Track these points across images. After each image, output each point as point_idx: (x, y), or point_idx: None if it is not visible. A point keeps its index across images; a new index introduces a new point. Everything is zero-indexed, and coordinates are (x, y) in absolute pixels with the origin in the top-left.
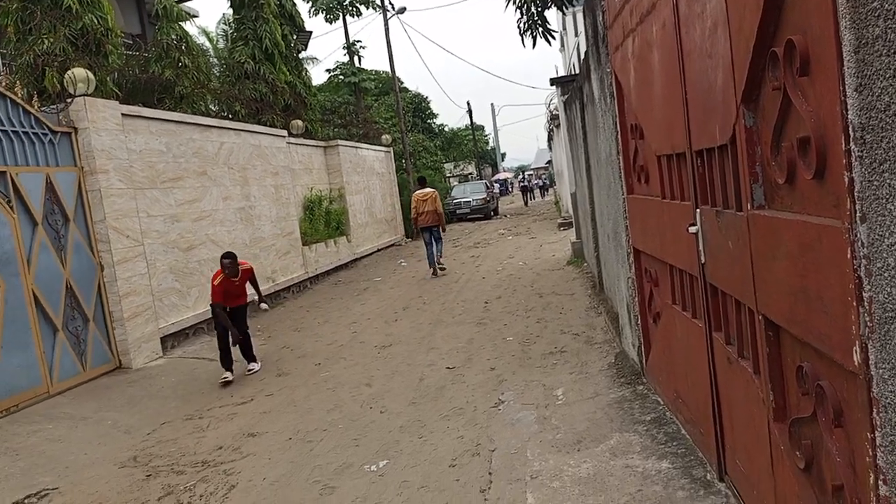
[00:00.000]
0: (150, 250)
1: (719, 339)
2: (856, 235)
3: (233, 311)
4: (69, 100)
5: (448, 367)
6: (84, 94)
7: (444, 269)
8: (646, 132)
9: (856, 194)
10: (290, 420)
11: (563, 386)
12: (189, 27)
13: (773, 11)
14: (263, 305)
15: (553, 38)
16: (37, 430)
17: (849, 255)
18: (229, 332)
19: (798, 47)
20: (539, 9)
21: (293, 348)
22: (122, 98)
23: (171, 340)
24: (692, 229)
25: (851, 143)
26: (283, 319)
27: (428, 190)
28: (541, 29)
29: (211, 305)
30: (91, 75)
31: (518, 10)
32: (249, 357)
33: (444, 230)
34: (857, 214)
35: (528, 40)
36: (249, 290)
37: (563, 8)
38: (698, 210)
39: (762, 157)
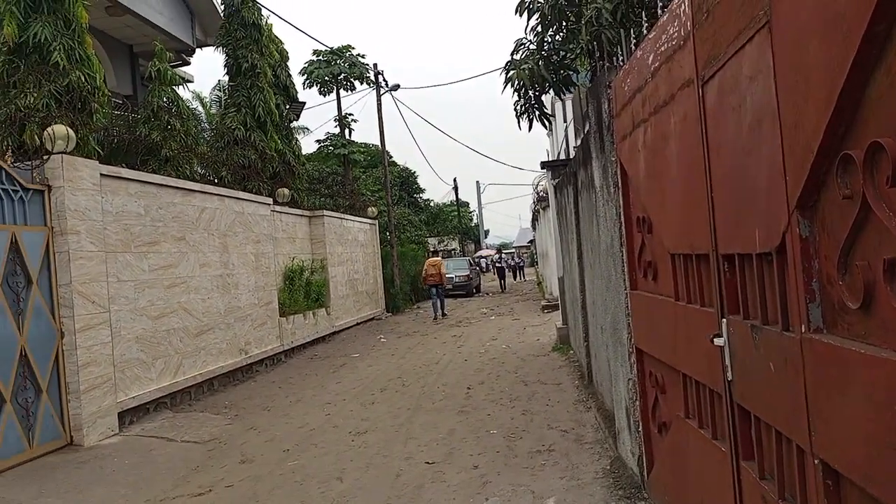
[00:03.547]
0: (116, 317)
1: (750, 472)
2: None
3: None
4: (45, 156)
5: (427, 462)
6: (62, 152)
7: (446, 315)
8: (656, 227)
9: None
10: None
11: (554, 494)
12: (183, 92)
13: (848, 108)
14: None
15: (550, 121)
16: None
17: None
18: None
19: (889, 152)
20: (536, 93)
21: (260, 430)
22: (105, 158)
23: (129, 416)
24: (718, 341)
25: None
26: (253, 396)
27: (437, 259)
28: (537, 112)
29: None
30: (71, 132)
31: (516, 94)
32: None
33: (444, 287)
34: None
35: (525, 123)
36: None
37: (561, 94)
38: (725, 320)
39: (821, 272)
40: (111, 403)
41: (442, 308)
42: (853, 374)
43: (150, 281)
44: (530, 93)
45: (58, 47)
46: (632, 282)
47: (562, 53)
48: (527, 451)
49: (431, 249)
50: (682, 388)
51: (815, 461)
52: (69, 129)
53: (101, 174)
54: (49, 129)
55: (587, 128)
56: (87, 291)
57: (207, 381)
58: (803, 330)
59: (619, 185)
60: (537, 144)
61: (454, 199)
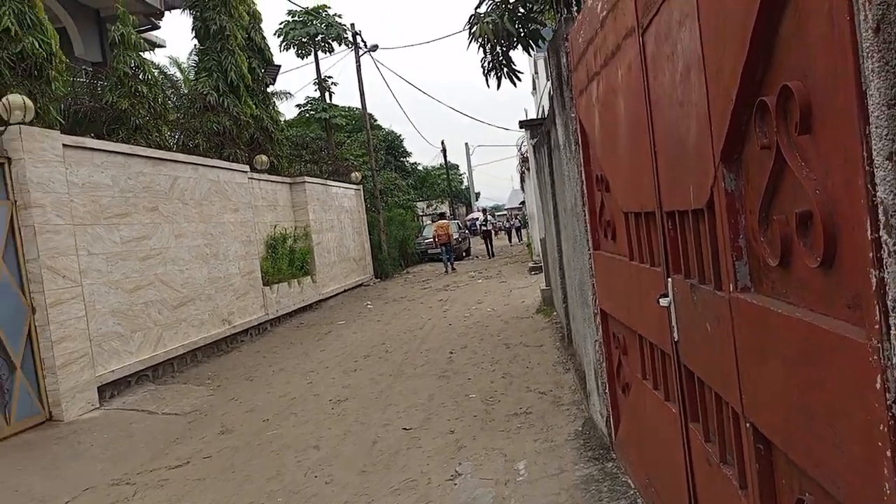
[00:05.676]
0: (89, 291)
1: (697, 434)
2: (889, 359)
3: None
4: (2, 128)
5: (405, 428)
6: (20, 123)
7: (455, 269)
8: (612, 185)
9: (888, 302)
10: (224, 491)
11: (525, 458)
12: (158, 57)
13: (762, 51)
14: None
15: (519, 79)
16: None
17: (878, 385)
18: None
19: (797, 96)
20: (503, 48)
21: (242, 400)
22: (70, 128)
23: (110, 389)
24: (663, 301)
25: (881, 231)
26: (237, 366)
27: (445, 221)
28: (505, 69)
29: None
30: (28, 102)
31: (482, 49)
32: None
33: (453, 246)
34: (892, 331)
35: (493, 81)
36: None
37: (529, 49)
38: (670, 279)
39: (747, 228)
40: (89, 378)
41: (451, 263)
42: (771, 335)
43: (123, 253)
44: (497, 49)
45: (7, 12)
46: (594, 242)
47: (528, 5)
48: (504, 415)
49: (440, 213)
50: (638, 348)
51: (747, 424)
52: (25, 98)
53: (64, 144)
54: (4, 99)
55: (551, 84)
56: (57, 265)
57: (190, 353)
58: (731, 289)
59: (580, 142)
60: (527, 103)
61: (443, 161)
